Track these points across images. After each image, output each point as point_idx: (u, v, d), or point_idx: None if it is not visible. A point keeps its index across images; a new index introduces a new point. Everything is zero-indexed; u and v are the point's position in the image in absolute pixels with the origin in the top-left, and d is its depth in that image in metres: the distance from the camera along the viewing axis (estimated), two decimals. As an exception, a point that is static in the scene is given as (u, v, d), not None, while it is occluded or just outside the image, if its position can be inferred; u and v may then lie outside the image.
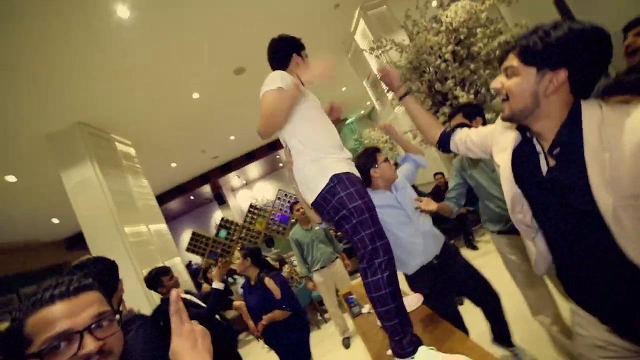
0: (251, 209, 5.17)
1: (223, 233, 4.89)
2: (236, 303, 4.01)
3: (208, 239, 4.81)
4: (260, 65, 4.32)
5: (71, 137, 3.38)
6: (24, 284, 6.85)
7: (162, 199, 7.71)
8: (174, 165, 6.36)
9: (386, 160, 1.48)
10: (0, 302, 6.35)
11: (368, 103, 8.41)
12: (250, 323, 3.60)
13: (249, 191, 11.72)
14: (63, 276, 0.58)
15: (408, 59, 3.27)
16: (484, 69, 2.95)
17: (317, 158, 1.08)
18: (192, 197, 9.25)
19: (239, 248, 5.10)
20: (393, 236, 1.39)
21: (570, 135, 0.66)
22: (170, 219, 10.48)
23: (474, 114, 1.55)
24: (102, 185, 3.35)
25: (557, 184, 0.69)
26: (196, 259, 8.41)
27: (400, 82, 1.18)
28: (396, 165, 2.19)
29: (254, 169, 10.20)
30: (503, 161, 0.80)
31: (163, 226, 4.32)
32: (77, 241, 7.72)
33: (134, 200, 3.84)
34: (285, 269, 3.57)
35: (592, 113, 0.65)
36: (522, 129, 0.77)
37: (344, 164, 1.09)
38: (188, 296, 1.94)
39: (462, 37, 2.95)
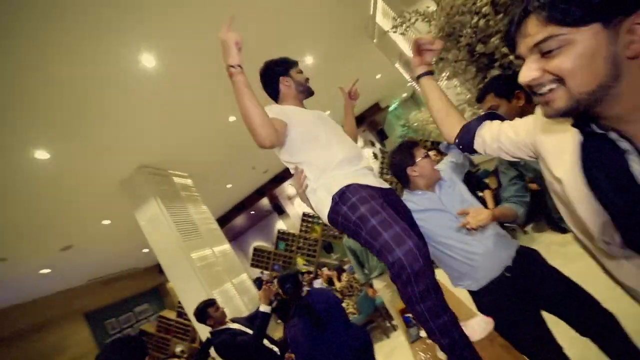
0: (305, 218, 5.20)
1: (282, 245, 5.03)
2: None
3: (269, 253, 4.99)
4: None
5: (136, 181, 3.82)
6: (136, 305, 8.16)
7: (226, 218, 8.33)
8: (229, 186, 6.80)
9: (426, 156, 1.24)
10: (121, 320, 7.72)
11: (409, 85, 7.82)
12: None
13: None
14: None
15: (438, 27, 2.86)
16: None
17: (321, 179, 1.02)
18: (252, 212, 9.82)
19: (299, 257, 5.18)
20: (442, 246, 1.16)
21: None
22: (237, 235, 11.31)
23: (511, 88, 1.12)
24: (166, 219, 3.70)
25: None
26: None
27: (429, 62, 0.92)
28: (439, 152, 1.89)
29: (305, 175, 10.37)
30: (566, 174, 0.53)
31: (226, 246, 4.60)
32: (167, 265, 8.89)
33: (197, 226, 4.16)
34: (344, 278, 3.46)
35: None
36: (582, 122, 0.50)
37: (350, 177, 0.98)
38: (235, 325, 1.95)
39: (500, -19, 2.43)
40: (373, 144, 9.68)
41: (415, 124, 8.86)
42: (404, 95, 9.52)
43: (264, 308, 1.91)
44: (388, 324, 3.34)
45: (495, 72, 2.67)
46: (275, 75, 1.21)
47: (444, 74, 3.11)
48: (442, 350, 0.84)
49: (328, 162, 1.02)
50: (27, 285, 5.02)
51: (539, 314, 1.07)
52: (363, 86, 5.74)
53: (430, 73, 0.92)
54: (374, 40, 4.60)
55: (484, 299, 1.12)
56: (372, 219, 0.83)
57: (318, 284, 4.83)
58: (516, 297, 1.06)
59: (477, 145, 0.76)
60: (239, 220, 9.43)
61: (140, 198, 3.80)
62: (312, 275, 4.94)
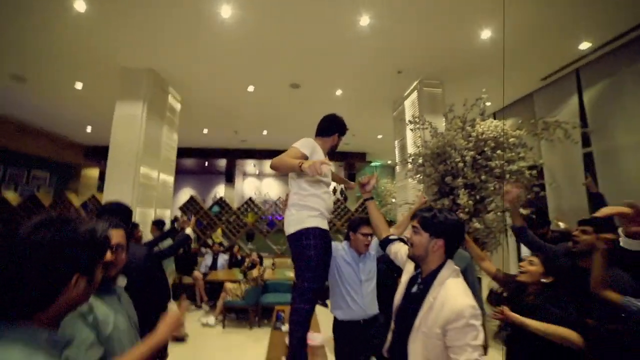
0: (249, 202, 5.52)
1: (216, 209, 5.26)
2: (196, 273, 4.32)
3: (201, 209, 5.19)
4: (313, 89, 4.71)
5: (138, 78, 3.91)
6: (36, 167, 7.44)
7: (180, 152, 8.19)
8: (205, 131, 6.88)
9: (366, 234, 1.73)
10: (12, 172, 6.96)
11: (396, 160, 8.74)
12: (202, 294, 3.95)
13: (258, 182, 12.17)
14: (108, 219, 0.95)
15: (436, 145, 3.60)
16: (492, 183, 3.22)
17: (303, 210, 1.46)
18: (206, 164, 9.77)
19: (222, 227, 5.44)
20: (342, 286, 1.70)
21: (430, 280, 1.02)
22: (178, 172, 11.01)
23: None
24: (141, 126, 3.82)
25: (409, 301, 1.07)
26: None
27: (371, 192, 1.56)
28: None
29: (271, 165, 10.67)
30: (404, 280, 1.16)
31: (171, 179, 4.74)
32: (94, 153, 8.34)
33: (160, 148, 4.29)
34: (257, 271, 3.84)
35: (447, 273, 1.02)
36: (417, 266, 1.13)
37: (317, 221, 1.46)
38: None
39: (485, 149, 3.25)
40: (340, 181, 10.36)
41: (381, 189, 9.81)
42: (389, 162, 10.52)
43: (189, 232, 2.30)
44: (256, 319, 3.78)
45: (445, 201, 3.45)
46: (336, 130, 1.67)
47: (418, 176, 3.85)
48: (289, 338, 1.35)
49: (314, 203, 1.46)
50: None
51: (362, 355, 1.68)
52: (363, 134, 6.47)
53: (372, 198, 1.55)
54: (394, 114, 5.33)
55: (339, 327, 1.69)
56: (314, 261, 1.35)
57: (222, 258, 5.13)
58: (356, 337, 1.65)
59: (388, 250, 1.37)
60: (189, 162, 9.32)
61: (130, 93, 3.87)
62: (221, 249, 5.22)
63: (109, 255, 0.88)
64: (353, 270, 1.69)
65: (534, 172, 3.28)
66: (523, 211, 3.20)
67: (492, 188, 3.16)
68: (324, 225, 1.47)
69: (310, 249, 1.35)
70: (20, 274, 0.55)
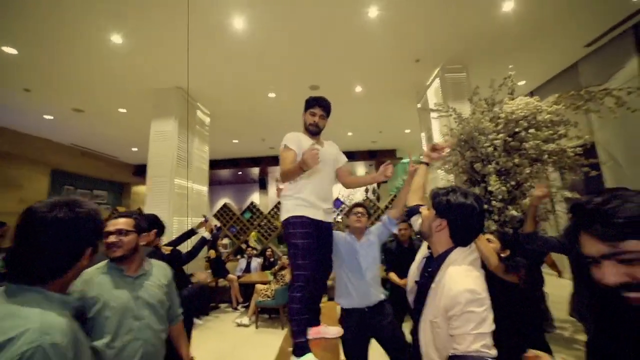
0: (279, 205, 5.67)
1: (247, 215, 5.47)
2: (230, 276, 4.51)
3: (234, 215, 5.43)
4: (332, 88, 4.68)
5: (168, 97, 4.25)
6: (97, 187, 8.41)
7: (215, 164, 8.72)
8: (235, 141, 7.23)
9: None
10: (78, 193, 7.91)
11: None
12: (237, 296, 4.13)
13: (290, 187, 12.43)
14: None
15: (462, 131, 3.38)
16: (528, 166, 2.93)
17: (290, 200, 1.46)
18: (240, 173, 10.23)
19: (255, 232, 5.64)
20: (341, 270, 1.69)
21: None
22: (216, 183, 11.69)
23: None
24: (174, 140, 4.13)
25: (420, 287, 1.01)
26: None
27: (433, 161, 1.50)
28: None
29: (301, 170, 10.85)
30: (418, 259, 1.12)
31: (204, 189, 5.04)
32: (142, 171, 9.20)
33: (192, 160, 4.59)
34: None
35: (453, 257, 0.93)
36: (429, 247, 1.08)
37: (305, 210, 1.43)
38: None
39: (517, 129, 2.97)
40: (371, 180, 10.18)
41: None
42: (421, 157, 10.07)
43: (206, 234, 2.41)
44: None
45: (477, 190, 3.21)
46: (304, 108, 1.65)
47: (445, 166, 3.64)
48: (290, 328, 1.34)
49: (305, 190, 1.45)
50: (23, 117, 5.35)
51: (367, 340, 1.64)
52: (391, 130, 6.26)
53: (428, 164, 1.47)
54: (418, 105, 5.13)
55: (346, 316, 1.66)
56: (299, 249, 1.35)
57: (255, 262, 5.30)
58: (363, 325, 1.60)
59: (413, 220, 1.25)
60: (225, 173, 9.83)
61: (163, 112, 4.22)
62: (254, 252, 5.40)
63: (112, 238, 1.01)
64: (354, 257, 1.68)
65: (578, 149, 2.92)
66: (569, 194, 2.86)
67: (529, 171, 2.87)
68: (314, 214, 1.44)
69: (296, 237, 1.35)
70: (40, 247, 0.64)
